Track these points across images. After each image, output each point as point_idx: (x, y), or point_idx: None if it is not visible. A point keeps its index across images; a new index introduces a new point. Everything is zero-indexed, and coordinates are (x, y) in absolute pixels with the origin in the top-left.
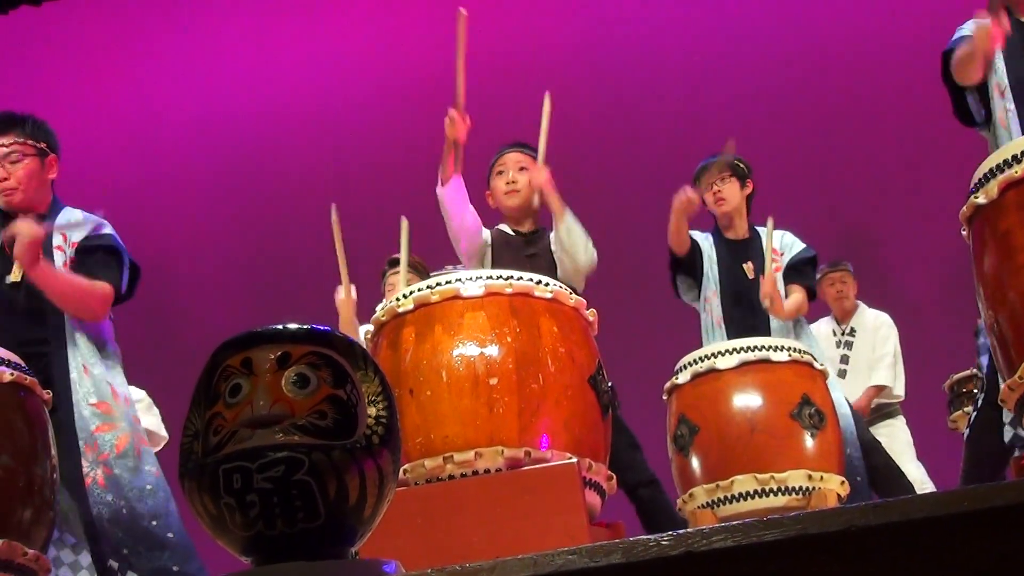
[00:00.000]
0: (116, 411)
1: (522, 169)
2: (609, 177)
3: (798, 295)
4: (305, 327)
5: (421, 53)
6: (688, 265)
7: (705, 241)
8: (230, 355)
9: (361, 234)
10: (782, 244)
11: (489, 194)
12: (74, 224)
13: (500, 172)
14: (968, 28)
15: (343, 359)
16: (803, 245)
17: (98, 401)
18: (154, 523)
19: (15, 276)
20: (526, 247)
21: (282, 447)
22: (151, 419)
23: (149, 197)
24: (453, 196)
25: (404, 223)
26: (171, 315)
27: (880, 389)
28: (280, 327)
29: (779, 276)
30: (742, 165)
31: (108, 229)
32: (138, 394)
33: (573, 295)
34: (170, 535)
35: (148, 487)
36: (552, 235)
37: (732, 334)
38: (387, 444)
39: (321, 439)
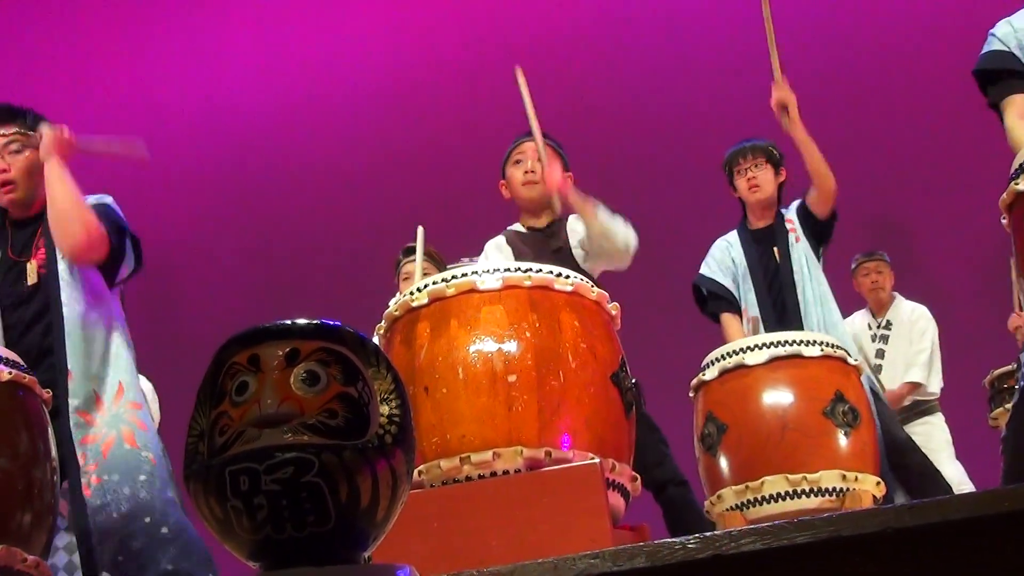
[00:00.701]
0: (98, 419)
1: (540, 160)
2: (632, 164)
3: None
4: (314, 322)
5: (431, 43)
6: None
7: (730, 251)
8: (236, 352)
9: (372, 228)
10: (794, 209)
11: (503, 184)
12: None
13: (518, 161)
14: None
15: (354, 356)
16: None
17: (83, 410)
18: (147, 520)
19: (32, 278)
20: (549, 242)
21: (291, 447)
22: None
23: (154, 188)
24: None
25: (420, 232)
26: (175, 310)
27: (915, 386)
28: (288, 322)
29: (798, 244)
30: (776, 151)
31: (108, 199)
32: (147, 384)
33: (595, 288)
34: (165, 530)
35: (142, 478)
36: (569, 226)
37: (771, 325)
38: (400, 444)
39: (331, 439)
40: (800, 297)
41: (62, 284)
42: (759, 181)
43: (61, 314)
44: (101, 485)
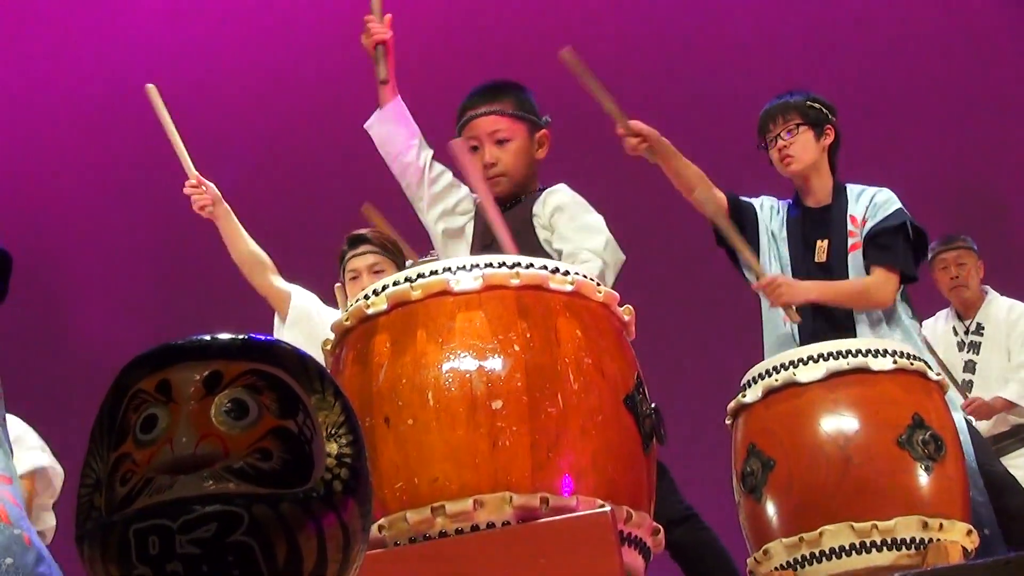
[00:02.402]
0: None
1: (501, 142)
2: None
3: (873, 275)
4: (241, 337)
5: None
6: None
7: (771, 210)
8: (142, 376)
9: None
10: (868, 208)
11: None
12: None
13: (474, 148)
14: None
15: (292, 379)
16: (894, 207)
17: None
18: None
19: None
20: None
21: (213, 498)
22: (46, 456)
23: (38, 180)
24: (389, 130)
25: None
26: (63, 326)
27: (1010, 405)
28: (207, 338)
29: (854, 257)
30: (817, 105)
31: None
32: (18, 428)
33: (601, 287)
34: None
35: (8, 561)
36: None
37: (803, 338)
38: (353, 492)
39: (265, 487)
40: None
41: None
42: (792, 150)
43: None
44: None
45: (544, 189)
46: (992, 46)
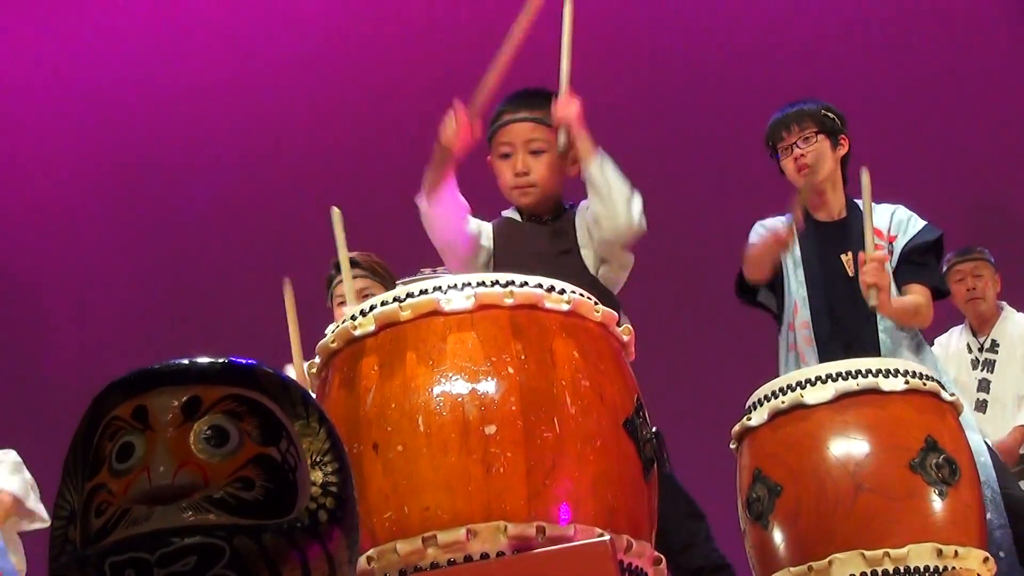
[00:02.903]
0: None
1: (536, 152)
2: (652, 150)
3: (916, 296)
4: (220, 361)
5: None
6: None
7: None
8: (117, 403)
9: (296, 237)
10: (892, 223)
11: (496, 172)
12: None
13: (505, 155)
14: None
15: (275, 404)
16: (922, 223)
17: None
18: None
19: None
20: (552, 241)
21: (193, 530)
22: (16, 481)
23: (13, 202)
24: (445, 214)
25: (335, 213)
26: (40, 349)
27: None
28: (185, 362)
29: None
30: (832, 115)
31: None
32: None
33: (599, 306)
34: None
35: None
36: (578, 216)
37: (826, 357)
38: (339, 522)
39: (247, 517)
40: (881, 337)
41: None
42: (810, 160)
43: None
44: None
45: (574, 206)
46: (1010, 57)
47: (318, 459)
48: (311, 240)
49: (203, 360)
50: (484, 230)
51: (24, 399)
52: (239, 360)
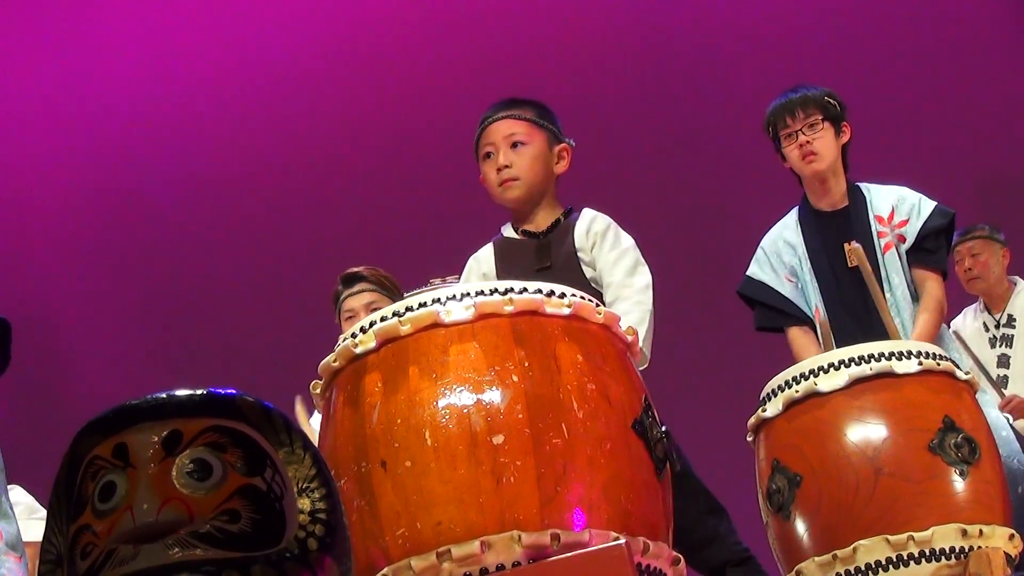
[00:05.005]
0: None
1: (517, 145)
2: (657, 148)
3: (931, 296)
4: (199, 392)
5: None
6: None
7: (783, 234)
8: (97, 442)
9: (308, 256)
10: (899, 208)
11: (483, 178)
12: None
13: (488, 155)
14: None
15: (258, 434)
16: (931, 204)
17: None
18: None
19: None
20: (549, 252)
21: (180, 567)
22: (34, 528)
23: (28, 239)
24: None
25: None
26: (55, 388)
27: None
28: (163, 395)
29: (889, 257)
30: (834, 102)
31: None
32: (17, 495)
33: (601, 308)
34: None
35: None
36: (578, 229)
37: (842, 344)
38: (329, 549)
39: (235, 550)
40: (886, 294)
41: None
42: (816, 147)
43: None
44: None
45: (572, 210)
46: (1012, 32)
47: (305, 486)
48: (326, 263)
49: (182, 392)
50: (482, 261)
51: (50, 440)
52: (219, 391)
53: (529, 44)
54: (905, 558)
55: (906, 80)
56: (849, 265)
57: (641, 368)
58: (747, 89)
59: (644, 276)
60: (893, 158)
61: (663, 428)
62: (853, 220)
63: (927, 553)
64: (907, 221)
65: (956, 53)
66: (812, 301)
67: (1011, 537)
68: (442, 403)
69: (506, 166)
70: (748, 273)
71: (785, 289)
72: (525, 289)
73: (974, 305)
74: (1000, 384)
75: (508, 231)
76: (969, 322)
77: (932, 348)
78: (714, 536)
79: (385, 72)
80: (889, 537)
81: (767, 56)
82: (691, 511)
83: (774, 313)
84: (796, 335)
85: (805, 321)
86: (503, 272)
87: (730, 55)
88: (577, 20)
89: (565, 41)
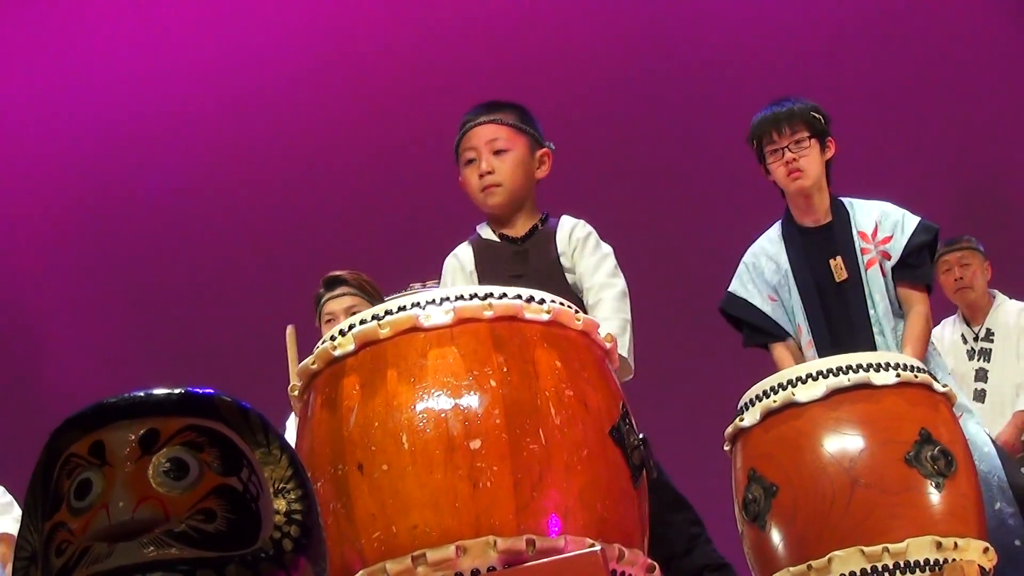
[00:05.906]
0: None
1: (499, 152)
2: (639, 156)
3: (917, 316)
4: (177, 391)
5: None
6: None
7: (766, 250)
8: (74, 439)
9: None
10: (883, 224)
11: (463, 182)
12: None
13: (469, 160)
14: None
15: (235, 434)
16: (915, 220)
17: None
18: None
19: None
20: (516, 262)
21: (155, 565)
22: (7, 521)
23: (6, 234)
24: None
25: (290, 332)
26: (34, 384)
27: None
28: (141, 394)
29: (872, 274)
30: (819, 116)
31: None
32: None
33: (580, 314)
34: None
35: None
36: (560, 232)
37: (826, 347)
38: (305, 550)
39: (210, 549)
40: (869, 310)
41: None
42: (802, 164)
43: None
44: None
45: (549, 216)
46: (999, 41)
47: (281, 487)
48: (307, 266)
49: (159, 391)
50: (464, 261)
51: (26, 434)
52: (196, 390)
53: (513, 52)
54: (880, 569)
55: (892, 90)
56: (838, 279)
57: (626, 379)
58: (730, 101)
59: (621, 283)
60: (879, 167)
61: (640, 435)
62: (836, 236)
63: (902, 565)
64: (891, 237)
65: (944, 66)
66: (796, 318)
67: (985, 550)
68: (420, 407)
69: (489, 172)
70: (730, 289)
71: (767, 308)
72: (504, 294)
73: (952, 317)
74: (978, 398)
75: (486, 232)
76: (947, 333)
77: (910, 360)
78: (694, 545)
79: (370, 78)
80: (864, 548)
81: (749, 69)
82: (673, 519)
83: (756, 331)
84: (779, 350)
85: (787, 337)
86: (482, 275)
87: (712, 67)
88: (561, 31)
89: (548, 48)
